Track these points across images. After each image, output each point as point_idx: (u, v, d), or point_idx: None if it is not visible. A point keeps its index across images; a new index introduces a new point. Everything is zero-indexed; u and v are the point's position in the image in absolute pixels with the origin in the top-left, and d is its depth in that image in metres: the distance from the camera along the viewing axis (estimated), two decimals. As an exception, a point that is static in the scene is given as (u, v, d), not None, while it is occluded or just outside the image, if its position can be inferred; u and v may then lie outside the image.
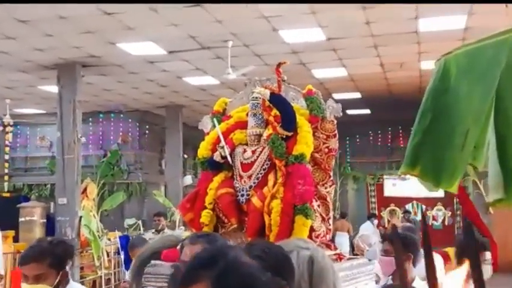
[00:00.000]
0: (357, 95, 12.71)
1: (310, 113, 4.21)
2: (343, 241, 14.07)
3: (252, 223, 3.96)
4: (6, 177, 15.12)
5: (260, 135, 4.17)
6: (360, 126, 15.04)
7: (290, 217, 3.80)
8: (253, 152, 4.16)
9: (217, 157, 4.24)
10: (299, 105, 4.33)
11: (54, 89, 10.60)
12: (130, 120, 14.55)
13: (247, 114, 4.30)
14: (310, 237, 3.78)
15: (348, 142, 15.76)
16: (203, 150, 4.39)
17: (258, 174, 4.11)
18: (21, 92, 12.15)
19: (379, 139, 15.68)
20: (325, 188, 4.16)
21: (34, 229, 13.60)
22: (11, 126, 14.77)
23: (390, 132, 15.53)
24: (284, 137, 4.07)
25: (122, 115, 14.55)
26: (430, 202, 15.63)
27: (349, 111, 14.36)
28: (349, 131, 15.23)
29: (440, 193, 15.67)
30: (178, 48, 8.91)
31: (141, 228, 11.94)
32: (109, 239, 10.40)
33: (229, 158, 4.18)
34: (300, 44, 8.73)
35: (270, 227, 3.83)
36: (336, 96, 12.66)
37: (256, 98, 4.22)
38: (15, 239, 12.91)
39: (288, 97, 4.40)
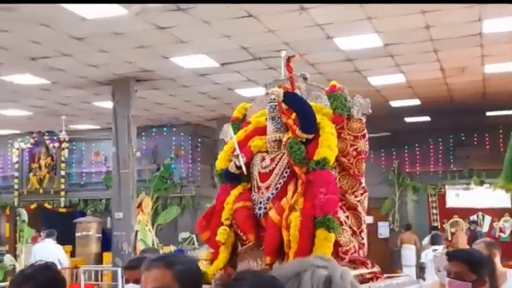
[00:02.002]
0: (416, 102, 12.45)
1: (334, 112, 3.83)
2: (410, 254, 13.76)
3: (270, 240, 3.60)
4: (62, 193, 15.66)
5: (280, 141, 3.81)
6: (419, 134, 14.70)
7: (310, 231, 3.42)
8: (272, 159, 3.81)
9: (232, 168, 3.91)
10: (323, 104, 3.96)
11: (108, 104, 10.93)
12: (182, 133, 14.80)
13: (266, 119, 3.97)
14: (336, 253, 3.45)
15: (406, 151, 15.42)
16: (221, 161, 4.09)
17: (276, 184, 3.74)
18: (76, 108, 12.59)
19: (440, 147, 15.26)
20: (355, 196, 3.80)
21: (90, 244, 14.04)
22: (66, 142, 15.34)
23: (452, 140, 15.08)
24: (304, 140, 3.69)
25: (174, 129, 14.82)
26: (497, 213, 15.03)
27: (408, 119, 14.07)
28: (407, 139, 14.91)
29: (507, 203, 15.08)
30: (230, 60, 9.01)
31: (195, 242, 12.07)
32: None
33: (243, 168, 3.83)
34: (356, 51, 8.65)
35: (289, 243, 3.46)
36: (394, 103, 12.46)
37: (274, 99, 3.87)
38: (72, 254, 13.33)
39: (311, 96, 4.05)
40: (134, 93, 10.29)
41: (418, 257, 12.06)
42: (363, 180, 3.90)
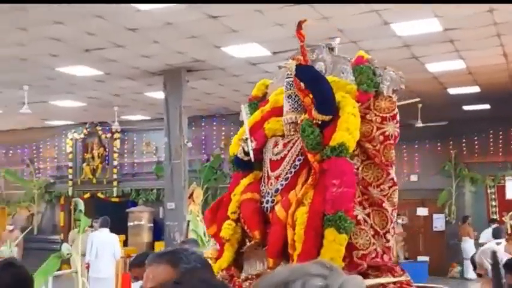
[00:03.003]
0: (475, 89, 12.03)
1: (358, 88, 3.30)
2: (468, 247, 13.40)
3: (273, 239, 3.15)
4: (115, 183, 16.05)
5: (296, 123, 3.32)
6: (478, 123, 14.22)
7: (318, 230, 2.95)
8: (285, 145, 3.33)
9: (240, 153, 3.47)
10: (349, 79, 3.41)
11: (159, 95, 11.08)
12: (232, 123, 14.87)
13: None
14: (349, 258, 2.98)
15: (464, 141, 14.96)
16: (233, 146, 3.64)
17: (287, 173, 3.26)
18: (128, 99, 12.83)
19: (501, 137, 14.73)
20: (381, 190, 3.22)
21: (142, 233, 14.35)
22: (118, 132, 15.68)
23: (513, 129, 14.55)
24: (320, 123, 3.19)
25: (223, 119, 14.90)
26: None
27: (466, 107, 13.62)
28: (466, 128, 14.45)
29: None
30: (282, 48, 8.93)
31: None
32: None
33: (251, 154, 3.39)
34: (413, 36, 8.41)
35: (294, 244, 3.01)
36: (452, 90, 12.09)
37: (290, 74, 3.35)
38: (125, 243, 13.66)
39: (336, 70, 3.51)
40: (186, 84, 10.39)
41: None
42: (392, 170, 3.30)
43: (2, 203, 17.16)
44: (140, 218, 14.52)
